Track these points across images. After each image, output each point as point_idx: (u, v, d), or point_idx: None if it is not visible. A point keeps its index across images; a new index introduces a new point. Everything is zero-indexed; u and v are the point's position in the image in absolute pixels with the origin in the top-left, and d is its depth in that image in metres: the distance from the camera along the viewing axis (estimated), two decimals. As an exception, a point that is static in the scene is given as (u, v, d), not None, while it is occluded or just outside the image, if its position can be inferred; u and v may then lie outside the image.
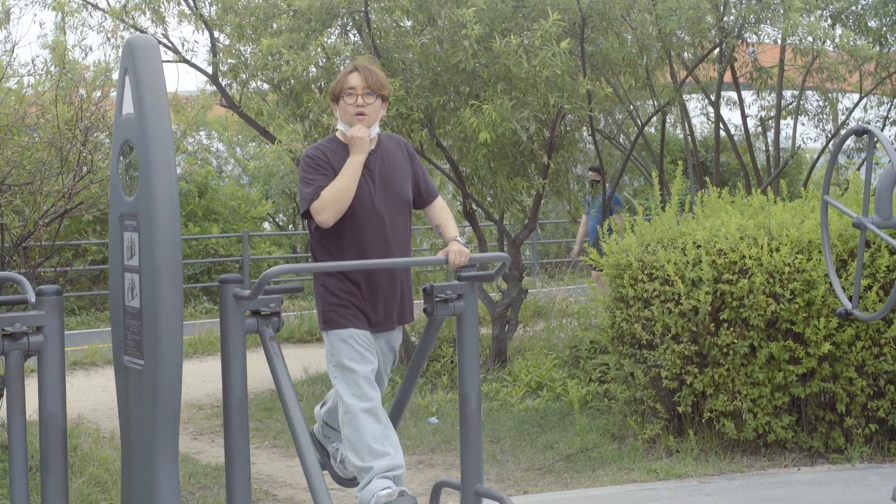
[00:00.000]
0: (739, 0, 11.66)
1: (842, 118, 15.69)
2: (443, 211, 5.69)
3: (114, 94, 5.42)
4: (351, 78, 5.46)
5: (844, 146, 13.71)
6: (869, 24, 13.18)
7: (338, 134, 5.53)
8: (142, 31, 11.86)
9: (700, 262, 7.64)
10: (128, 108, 4.69)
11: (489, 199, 11.74)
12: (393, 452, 5.29)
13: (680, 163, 9.81)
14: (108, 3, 12.32)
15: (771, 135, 14.94)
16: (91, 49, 12.57)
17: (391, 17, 10.18)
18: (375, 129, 5.49)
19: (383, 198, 5.42)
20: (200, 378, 12.15)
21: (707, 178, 11.38)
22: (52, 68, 8.69)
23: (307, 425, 5.19)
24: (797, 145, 15.21)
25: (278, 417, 9.87)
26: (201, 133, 24.55)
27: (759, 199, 8.72)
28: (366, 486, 5.24)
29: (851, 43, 10.96)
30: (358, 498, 5.31)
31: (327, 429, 5.84)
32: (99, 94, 8.15)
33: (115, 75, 10.38)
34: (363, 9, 10.16)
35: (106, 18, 12.11)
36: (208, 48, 12.15)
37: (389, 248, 5.41)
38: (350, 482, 5.67)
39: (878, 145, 6.18)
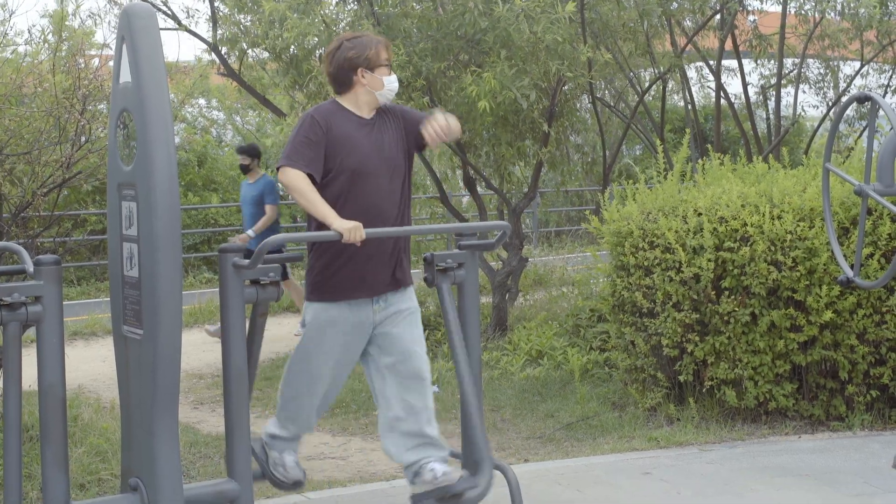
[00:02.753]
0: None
1: (843, 86, 15.63)
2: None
3: (111, 63, 5.38)
4: (385, 52, 5.54)
5: (845, 114, 13.68)
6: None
7: (338, 99, 5.51)
8: None
9: (702, 229, 7.61)
10: (125, 76, 4.66)
11: (489, 167, 11.71)
12: (306, 429, 5.63)
13: (687, 131, 9.78)
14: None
15: (772, 103, 14.90)
16: (95, 17, 12.45)
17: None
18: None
19: (381, 162, 5.40)
20: (200, 347, 12.16)
21: (709, 146, 11.37)
22: (49, 37, 8.64)
23: (248, 401, 5.22)
24: (798, 113, 15.17)
25: (278, 387, 9.87)
26: (201, 101, 24.50)
27: (761, 166, 8.69)
28: (275, 440, 5.59)
29: (854, 2, 10.86)
30: (266, 441, 5.62)
31: (273, 439, 5.71)
32: (97, 62, 8.10)
33: (96, 38, 10.36)
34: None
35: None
36: (208, 17, 12.12)
37: (384, 214, 5.36)
38: (291, 486, 5.65)
39: (880, 112, 6.16)
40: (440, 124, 5.37)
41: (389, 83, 5.52)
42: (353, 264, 5.33)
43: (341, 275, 5.35)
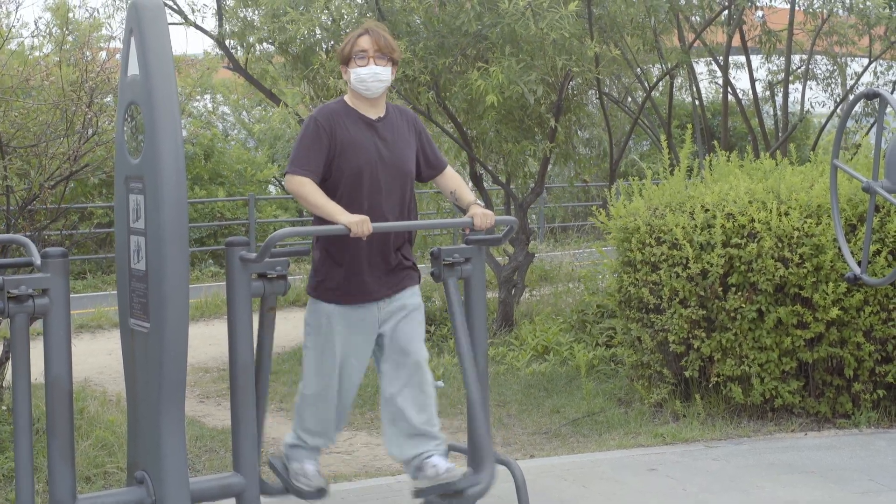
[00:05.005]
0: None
1: (850, 83, 15.58)
2: (454, 178, 5.69)
3: (119, 56, 5.39)
4: (362, 41, 5.40)
5: (853, 110, 13.66)
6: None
7: (346, 98, 5.49)
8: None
9: (709, 226, 7.60)
10: (133, 69, 4.66)
11: (497, 164, 11.70)
12: (325, 441, 5.61)
13: (689, 126, 9.76)
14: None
15: (779, 99, 14.86)
16: (98, 11, 12.52)
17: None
18: (384, 81, 5.43)
19: (386, 166, 5.38)
20: (207, 341, 12.16)
21: (715, 142, 11.36)
22: (54, 29, 8.65)
23: (266, 399, 5.27)
24: (805, 110, 15.14)
25: (284, 381, 9.88)
26: (206, 97, 24.52)
27: (768, 162, 8.68)
28: (295, 450, 5.57)
29: (862, 3, 10.85)
30: (286, 453, 5.60)
31: (293, 449, 5.67)
32: (104, 55, 8.10)
33: (105, 31, 10.36)
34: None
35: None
36: (214, 11, 12.12)
37: (385, 217, 5.35)
38: (315, 495, 5.57)
39: (888, 109, 6.14)
40: (482, 224, 5.43)
41: (356, 76, 5.40)
42: (354, 269, 5.35)
43: (343, 279, 5.37)
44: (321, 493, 5.56)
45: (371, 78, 5.38)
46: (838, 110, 14.83)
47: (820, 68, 15.86)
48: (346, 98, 5.50)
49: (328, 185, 5.32)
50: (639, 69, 13.72)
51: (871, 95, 6.26)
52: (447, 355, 10.45)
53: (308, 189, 5.25)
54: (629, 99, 15.59)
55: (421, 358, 5.46)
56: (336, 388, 5.46)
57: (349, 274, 5.35)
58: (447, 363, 10.11)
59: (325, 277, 5.40)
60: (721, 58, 13.97)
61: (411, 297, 5.54)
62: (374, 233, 5.20)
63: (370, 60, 5.38)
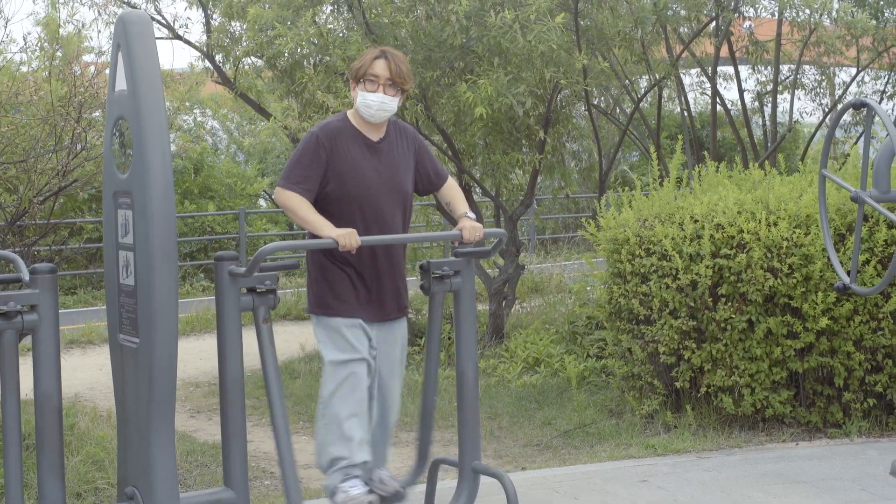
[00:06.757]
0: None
1: (839, 92, 15.63)
2: (453, 190, 5.73)
3: (108, 71, 5.40)
4: (377, 65, 5.36)
5: (841, 120, 13.71)
6: (866, -1, 13.14)
7: (349, 113, 5.48)
8: (133, 7, 11.82)
9: (698, 236, 7.61)
10: (121, 84, 4.66)
11: (485, 175, 11.70)
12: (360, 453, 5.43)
13: (680, 137, 9.77)
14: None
15: (768, 109, 14.90)
16: (84, 25, 12.52)
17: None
18: (390, 111, 5.44)
19: (384, 191, 5.41)
20: (197, 356, 12.14)
21: (705, 153, 11.37)
22: (44, 45, 8.65)
23: (285, 409, 5.22)
24: (794, 119, 15.19)
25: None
26: (195, 111, 24.49)
27: (757, 173, 8.69)
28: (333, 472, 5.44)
29: (849, 16, 10.91)
30: (326, 485, 5.50)
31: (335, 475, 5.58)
32: (93, 70, 8.11)
33: (89, 43, 10.37)
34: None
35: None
36: (203, 24, 12.12)
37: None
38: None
39: (876, 119, 6.16)
40: (471, 237, 5.47)
41: (362, 99, 5.37)
42: (354, 289, 5.41)
43: (342, 297, 5.41)
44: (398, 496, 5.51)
45: (377, 106, 5.36)
46: (826, 120, 14.87)
47: (808, 78, 15.91)
48: (350, 115, 5.48)
49: (328, 208, 5.34)
50: (627, 81, 13.75)
51: (858, 105, 6.29)
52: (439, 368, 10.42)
53: (296, 204, 5.26)
54: (618, 110, 15.62)
55: (395, 397, 5.74)
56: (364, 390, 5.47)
57: (367, 291, 5.43)
58: (438, 376, 10.07)
59: (324, 292, 5.42)
60: (709, 68, 14.02)
61: (400, 327, 5.68)
62: (386, 251, 5.39)
63: (381, 88, 5.35)
